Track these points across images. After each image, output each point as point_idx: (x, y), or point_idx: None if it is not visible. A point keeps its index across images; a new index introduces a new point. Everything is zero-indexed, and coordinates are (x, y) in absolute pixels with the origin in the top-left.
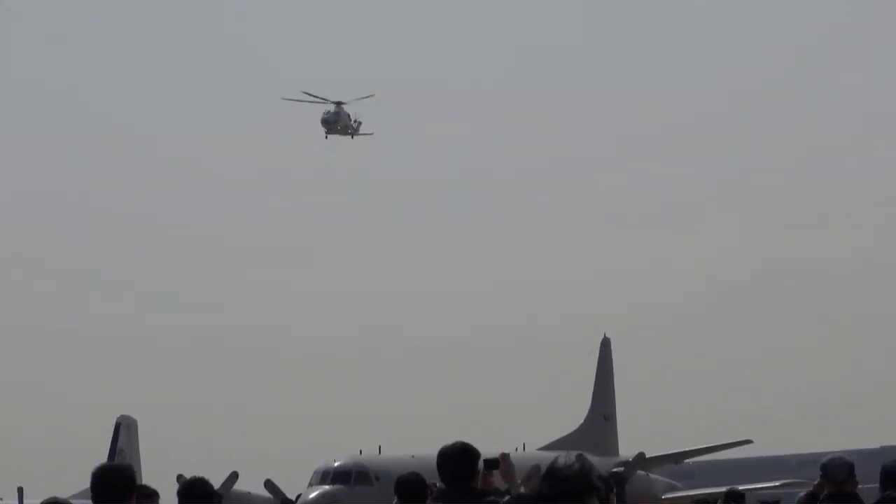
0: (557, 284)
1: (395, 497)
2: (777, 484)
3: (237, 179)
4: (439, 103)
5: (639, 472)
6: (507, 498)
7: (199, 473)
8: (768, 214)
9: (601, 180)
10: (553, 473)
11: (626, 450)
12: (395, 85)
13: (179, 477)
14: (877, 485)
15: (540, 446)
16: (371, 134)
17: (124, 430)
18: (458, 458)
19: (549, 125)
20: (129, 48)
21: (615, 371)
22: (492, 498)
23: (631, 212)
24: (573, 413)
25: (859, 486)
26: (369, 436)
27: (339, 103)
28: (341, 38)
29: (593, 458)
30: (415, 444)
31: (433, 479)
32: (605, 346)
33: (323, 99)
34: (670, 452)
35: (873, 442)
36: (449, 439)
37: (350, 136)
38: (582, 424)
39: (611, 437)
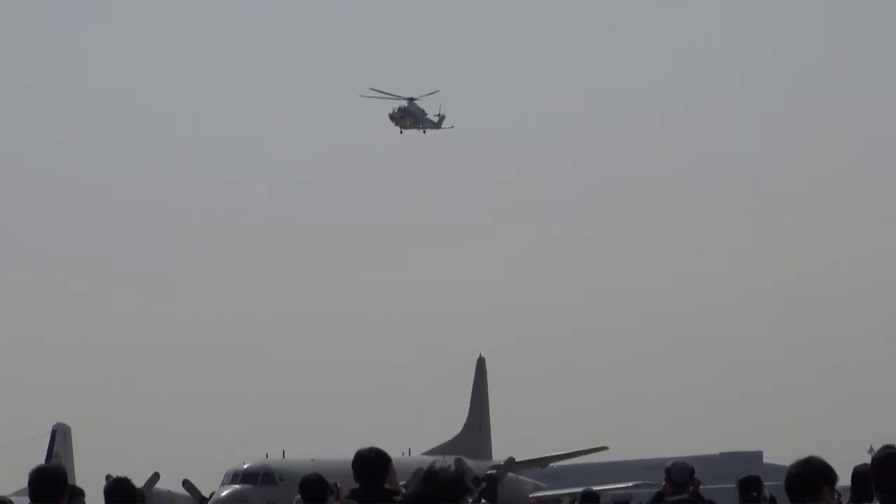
0: (439, 305)
1: (299, 495)
2: (629, 485)
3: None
4: None
5: (509, 474)
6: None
7: (124, 474)
8: (617, 255)
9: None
10: (431, 476)
11: (499, 454)
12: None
13: (108, 477)
14: (715, 486)
15: (423, 451)
16: (452, 127)
17: (60, 436)
18: (372, 460)
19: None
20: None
21: (489, 385)
22: (399, 497)
23: (512, 238)
24: (452, 422)
25: (701, 487)
26: (274, 441)
27: (410, 99)
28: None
29: (470, 462)
30: (314, 448)
31: (332, 479)
32: (481, 364)
33: (393, 95)
34: (537, 457)
35: (714, 448)
36: (344, 445)
37: (422, 131)
38: (460, 432)
39: (485, 444)
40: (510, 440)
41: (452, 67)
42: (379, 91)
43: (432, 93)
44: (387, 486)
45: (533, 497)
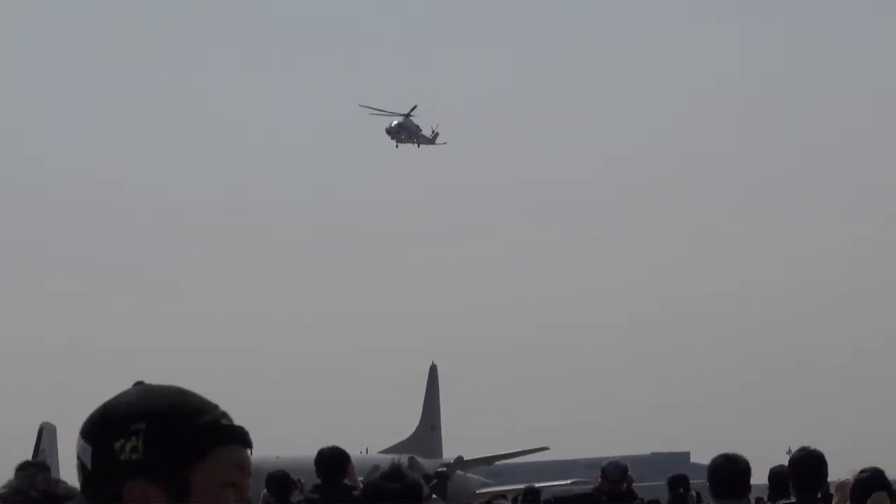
0: (394, 316)
1: (265, 490)
2: (568, 482)
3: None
4: None
5: (458, 471)
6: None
7: None
8: (537, 272)
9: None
10: (399, 476)
11: (449, 453)
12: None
13: None
14: (646, 483)
15: (380, 449)
16: (445, 143)
17: (46, 435)
18: (333, 458)
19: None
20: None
21: (441, 390)
22: (357, 492)
23: (453, 258)
24: (406, 423)
25: (633, 484)
26: None
27: (406, 115)
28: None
29: (422, 460)
30: (279, 446)
31: (296, 475)
32: (433, 370)
33: (385, 112)
34: (484, 456)
35: (645, 449)
36: (307, 443)
37: (417, 145)
38: (413, 433)
39: (436, 443)
40: (460, 439)
41: (447, 85)
42: (371, 108)
43: (409, 115)
44: (346, 482)
45: (480, 493)
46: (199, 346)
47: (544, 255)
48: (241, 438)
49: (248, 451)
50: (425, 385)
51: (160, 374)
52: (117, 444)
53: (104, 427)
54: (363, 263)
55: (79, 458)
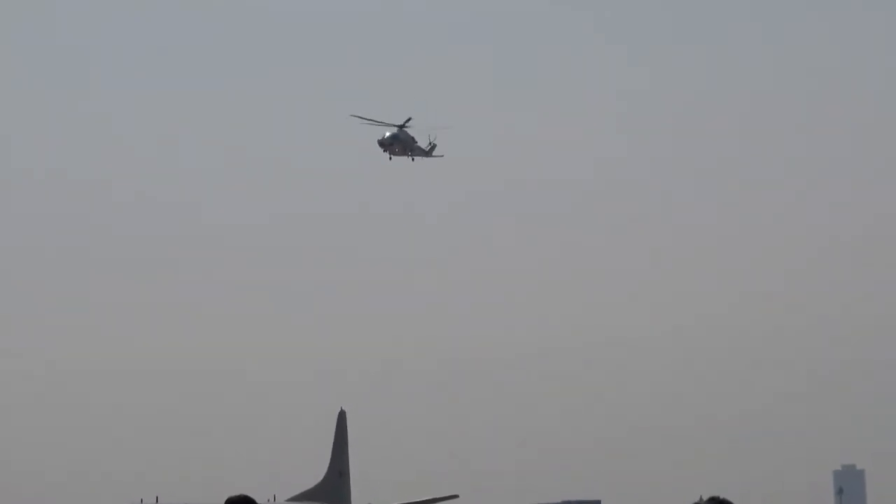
0: (302, 360)
1: None
2: None
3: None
4: None
5: None
6: None
7: None
8: (441, 309)
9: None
10: None
11: (358, 500)
12: None
13: None
14: None
15: (288, 497)
16: (442, 156)
17: None
18: None
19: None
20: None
21: (350, 436)
22: None
23: (364, 304)
24: (315, 469)
25: None
26: (149, 486)
27: (401, 126)
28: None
29: None
30: (187, 493)
31: None
32: (342, 416)
33: (378, 122)
34: (394, 503)
35: (557, 497)
36: (215, 491)
37: (411, 159)
38: (322, 479)
39: (345, 490)
40: (369, 486)
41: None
42: (363, 118)
43: (403, 126)
44: None
45: None
46: (109, 395)
47: (454, 301)
48: None
49: None
50: (334, 431)
51: (65, 424)
52: None
53: None
54: (274, 306)
55: None
